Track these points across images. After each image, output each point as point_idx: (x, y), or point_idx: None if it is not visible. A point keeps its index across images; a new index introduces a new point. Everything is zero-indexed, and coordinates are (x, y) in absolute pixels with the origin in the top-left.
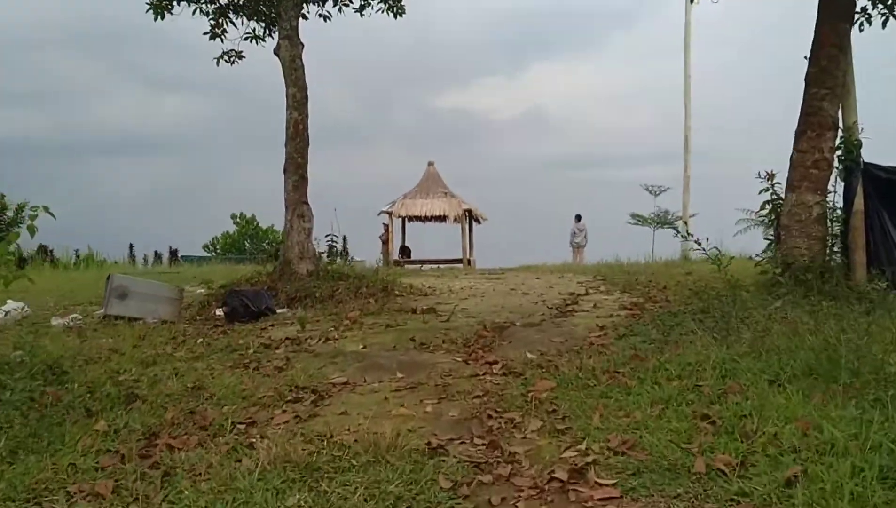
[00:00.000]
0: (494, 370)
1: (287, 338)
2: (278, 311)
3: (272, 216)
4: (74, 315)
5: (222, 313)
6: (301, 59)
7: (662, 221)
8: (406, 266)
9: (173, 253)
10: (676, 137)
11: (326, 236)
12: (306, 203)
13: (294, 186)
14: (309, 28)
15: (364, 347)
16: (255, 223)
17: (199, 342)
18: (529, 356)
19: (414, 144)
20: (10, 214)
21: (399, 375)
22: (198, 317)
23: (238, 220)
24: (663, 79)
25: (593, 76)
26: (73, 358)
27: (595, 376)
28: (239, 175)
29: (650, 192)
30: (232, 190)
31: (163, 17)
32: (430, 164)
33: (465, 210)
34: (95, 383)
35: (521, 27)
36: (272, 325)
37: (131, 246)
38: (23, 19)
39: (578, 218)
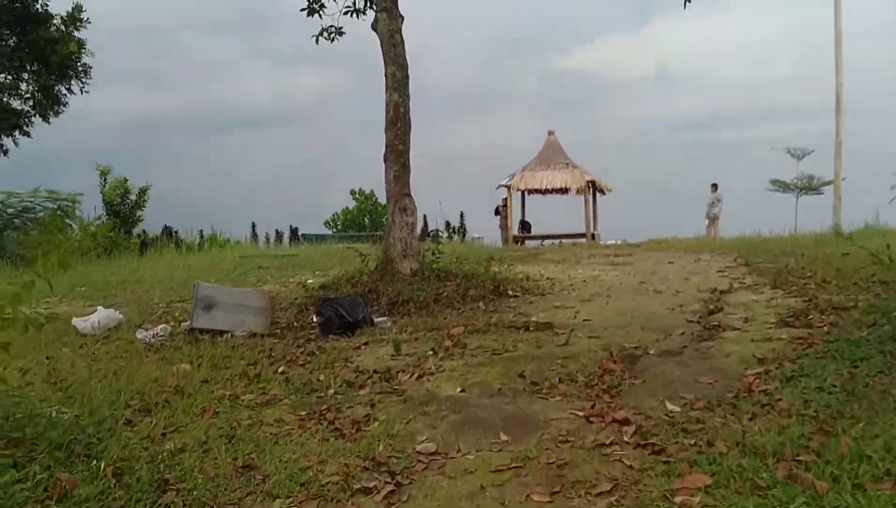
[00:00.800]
0: (626, 438)
1: (376, 371)
2: (377, 320)
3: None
4: (163, 326)
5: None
6: (401, 34)
7: (807, 187)
8: (526, 242)
9: (294, 231)
10: (818, 92)
11: (429, 232)
12: (408, 195)
13: (395, 176)
14: None
15: (462, 390)
16: (374, 199)
17: (278, 372)
18: (670, 407)
19: (534, 109)
20: (132, 197)
21: (503, 437)
22: (294, 324)
23: (357, 196)
24: (804, 28)
25: (724, 28)
26: (124, 405)
27: (766, 465)
28: (361, 150)
29: (792, 155)
30: (355, 164)
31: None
32: (551, 133)
33: (588, 181)
34: (128, 459)
35: None
36: (366, 344)
37: (254, 225)
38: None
39: (715, 187)
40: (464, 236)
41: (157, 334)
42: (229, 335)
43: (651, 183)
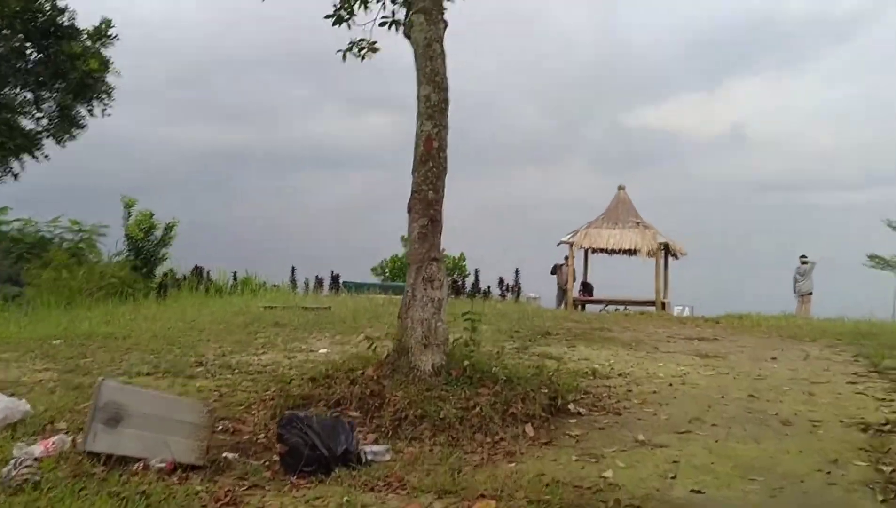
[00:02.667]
0: None
1: None
2: (370, 450)
3: (444, 239)
4: (58, 438)
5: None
6: (442, 45)
7: None
8: (587, 307)
9: (335, 279)
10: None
11: (464, 314)
12: (437, 260)
13: (421, 233)
14: (493, 34)
15: None
16: None
17: None
18: None
19: (602, 163)
20: (157, 233)
21: None
22: (256, 439)
23: (404, 241)
24: (879, 94)
25: (800, 93)
26: None
27: None
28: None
29: (894, 229)
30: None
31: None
32: (621, 188)
33: (660, 244)
34: None
35: (721, 41)
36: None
37: (293, 269)
38: (239, 43)
39: (804, 258)
40: (518, 295)
41: (29, 463)
42: (141, 465)
43: (723, 247)
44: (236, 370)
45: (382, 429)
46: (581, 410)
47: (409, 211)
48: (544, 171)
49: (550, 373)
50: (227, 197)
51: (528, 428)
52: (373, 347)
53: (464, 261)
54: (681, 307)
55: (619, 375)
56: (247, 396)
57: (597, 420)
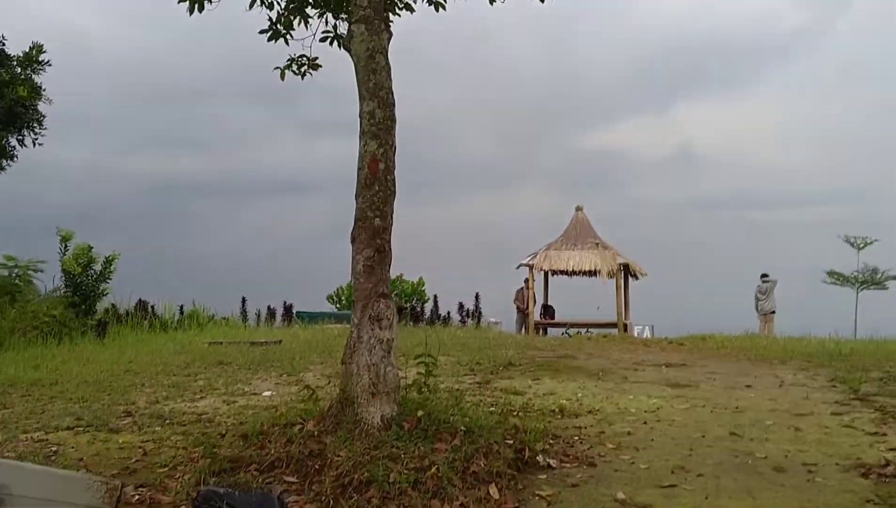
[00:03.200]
0: None
1: None
2: None
3: (402, 265)
4: None
5: None
6: (385, 56)
7: (869, 281)
8: (549, 331)
9: (287, 309)
10: (845, 177)
11: (417, 357)
12: (386, 296)
13: (366, 266)
14: (446, 61)
15: None
16: None
17: None
18: None
19: (556, 186)
20: (97, 267)
21: None
22: None
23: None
24: (821, 116)
25: (747, 113)
26: None
27: None
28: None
29: (852, 244)
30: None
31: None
32: (579, 209)
33: (620, 264)
34: None
35: (669, 65)
36: None
37: (244, 300)
38: (192, 70)
39: (765, 277)
40: (479, 320)
41: None
42: None
43: (677, 266)
44: (167, 421)
45: (323, 498)
46: (551, 462)
47: (353, 241)
48: (499, 195)
49: (515, 421)
50: (179, 228)
51: (493, 490)
52: (313, 397)
53: (423, 286)
54: (640, 327)
55: (589, 412)
56: (173, 454)
57: (569, 475)
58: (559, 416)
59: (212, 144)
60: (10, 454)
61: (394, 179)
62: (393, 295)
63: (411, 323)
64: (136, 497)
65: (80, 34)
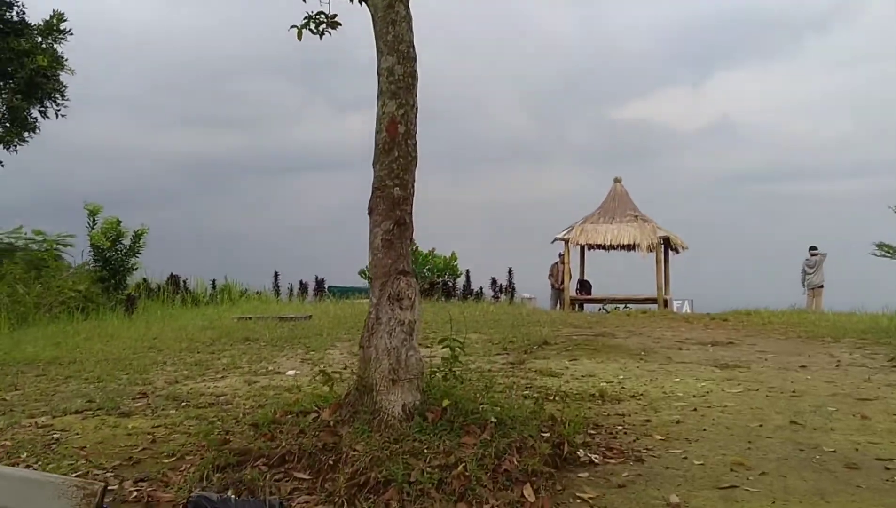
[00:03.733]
0: None
1: None
2: None
3: (434, 239)
4: None
5: None
6: (406, 6)
7: None
8: (585, 306)
9: (319, 284)
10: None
11: (441, 341)
12: (407, 273)
13: (385, 240)
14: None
15: None
16: (413, 247)
17: None
18: None
19: (591, 159)
20: (126, 241)
21: None
22: None
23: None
24: (864, 85)
25: (785, 83)
26: None
27: None
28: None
29: None
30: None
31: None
32: (617, 181)
33: (661, 238)
34: None
35: (704, 36)
36: None
37: (276, 275)
38: (223, 48)
39: (814, 250)
40: (512, 296)
41: None
42: None
43: (716, 239)
44: (183, 403)
45: (336, 499)
46: (593, 457)
47: (370, 213)
48: (534, 169)
49: (552, 410)
50: (214, 205)
51: (528, 491)
52: (329, 384)
53: (455, 261)
54: (680, 302)
55: (633, 397)
56: (183, 442)
57: (614, 473)
58: (600, 402)
59: (244, 122)
60: (7, 442)
61: (415, 144)
62: (423, 270)
63: (443, 299)
64: (135, 493)
65: (106, 10)
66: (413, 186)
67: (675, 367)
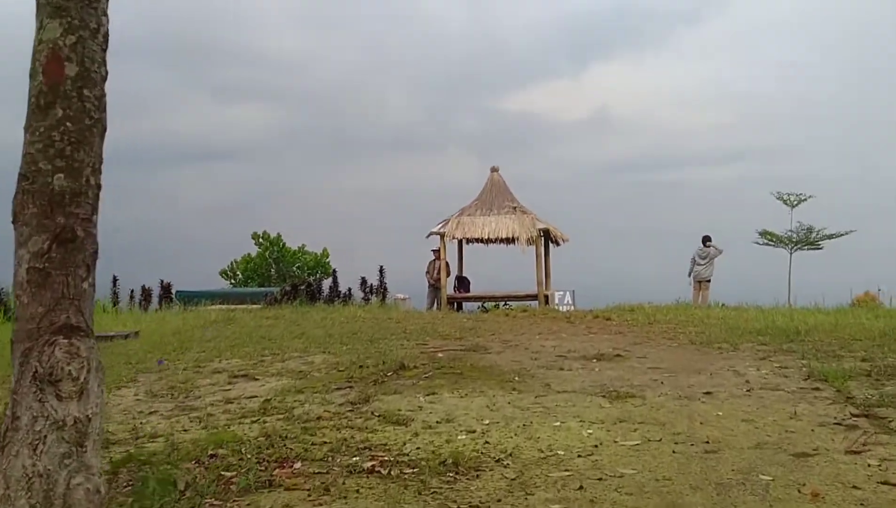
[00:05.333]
0: None
1: None
2: None
3: (305, 235)
4: None
5: None
6: None
7: (804, 241)
8: (464, 306)
9: (165, 289)
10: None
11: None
12: (73, 331)
13: (35, 272)
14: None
15: None
16: (280, 244)
17: None
18: None
19: (476, 149)
20: None
21: None
22: None
23: (261, 240)
24: (733, 77)
25: (658, 75)
26: None
27: None
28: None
29: (785, 202)
30: (268, 207)
31: None
32: (494, 170)
33: (540, 230)
34: None
35: (582, 30)
36: None
37: (115, 279)
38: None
39: (708, 242)
40: (384, 297)
41: None
42: None
43: (596, 229)
44: None
45: None
46: None
47: (15, 220)
48: (417, 160)
49: None
50: None
51: None
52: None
53: (327, 258)
54: (562, 293)
55: (498, 461)
56: None
57: None
58: (453, 474)
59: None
60: None
61: (100, 98)
62: (292, 269)
63: (307, 302)
64: None
65: None
66: (95, 173)
67: (556, 401)
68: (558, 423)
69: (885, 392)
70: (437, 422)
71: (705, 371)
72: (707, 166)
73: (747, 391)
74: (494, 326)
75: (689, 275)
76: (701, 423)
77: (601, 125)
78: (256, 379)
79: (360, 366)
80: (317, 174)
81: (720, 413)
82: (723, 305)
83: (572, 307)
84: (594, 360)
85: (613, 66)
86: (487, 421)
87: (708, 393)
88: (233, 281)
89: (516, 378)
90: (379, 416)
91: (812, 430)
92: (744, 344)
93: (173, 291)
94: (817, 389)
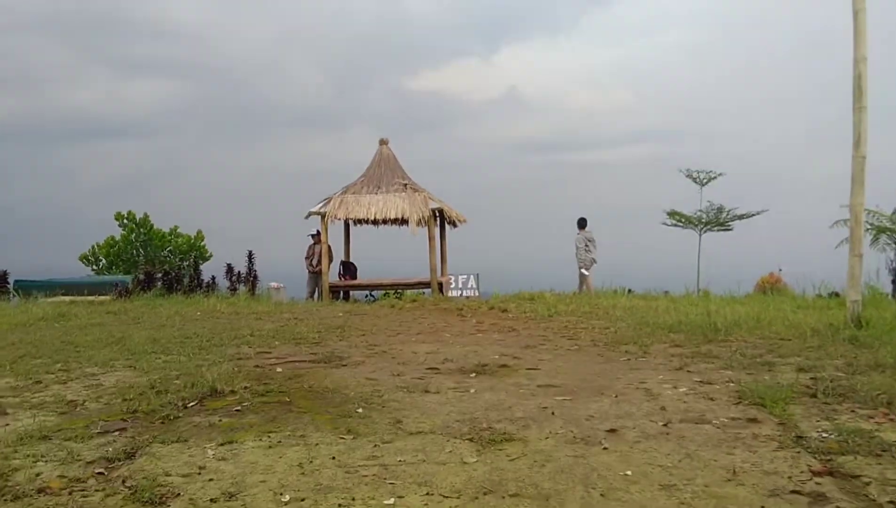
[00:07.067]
0: None
1: None
2: None
3: (178, 216)
4: None
5: None
6: None
7: (713, 222)
8: (351, 294)
9: (1, 278)
10: (659, 116)
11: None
12: None
13: None
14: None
15: None
16: (149, 226)
17: None
18: None
19: (385, 128)
20: None
21: None
22: None
23: (125, 221)
24: (638, 59)
25: (568, 58)
26: None
27: None
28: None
29: (695, 180)
30: (162, 187)
31: None
32: (384, 143)
33: (433, 210)
34: None
35: (494, 10)
36: None
37: None
38: None
39: (583, 223)
40: (253, 286)
41: None
42: None
43: (503, 211)
44: None
45: None
46: None
47: None
48: (328, 136)
49: None
50: None
51: None
52: None
53: (202, 240)
54: (465, 277)
55: None
56: None
57: None
58: None
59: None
60: None
61: None
62: (162, 253)
63: (164, 292)
64: None
65: None
66: None
67: (402, 452)
68: (392, 500)
69: (843, 427)
70: (213, 501)
71: (609, 391)
72: (616, 148)
73: (664, 424)
74: (370, 322)
75: (581, 262)
76: (602, 495)
77: (511, 106)
78: (6, 413)
79: (158, 391)
80: (216, 153)
81: (629, 473)
82: (629, 291)
83: (476, 293)
84: (472, 375)
85: (523, 47)
86: (288, 498)
87: (612, 431)
88: (94, 267)
89: (359, 410)
90: (131, 488)
91: (754, 493)
92: (655, 346)
93: (10, 280)
94: (754, 421)
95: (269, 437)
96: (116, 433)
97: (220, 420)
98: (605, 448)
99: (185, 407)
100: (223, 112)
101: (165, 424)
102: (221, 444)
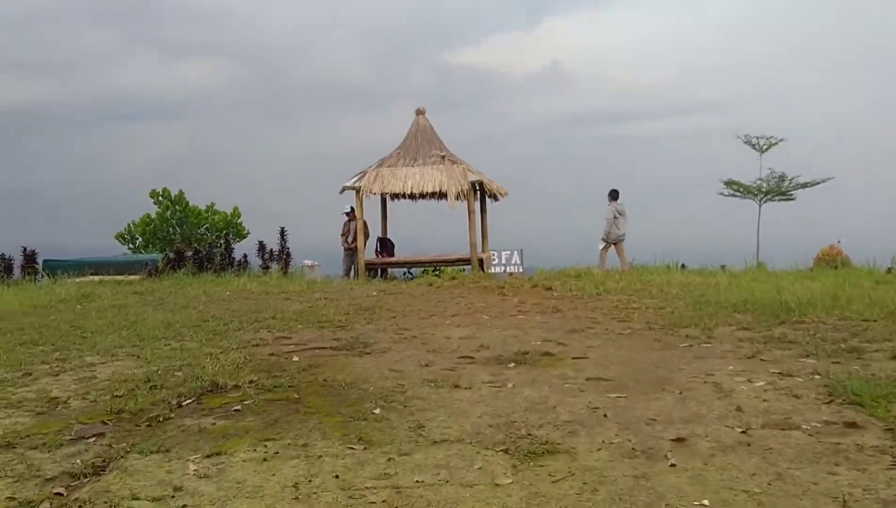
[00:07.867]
0: None
1: None
2: None
3: (214, 194)
4: None
5: None
6: None
7: (775, 191)
8: (389, 271)
9: (28, 258)
10: (714, 87)
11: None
12: None
13: None
14: None
15: None
16: (184, 203)
17: None
18: None
19: (427, 104)
20: None
21: None
22: None
23: (160, 198)
24: (684, 31)
25: (613, 31)
26: None
27: None
28: (222, 149)
29: (754, 147)
30: (203, 168)
31: None
32: (420, 113)
33: (472, 183)
34: None
35: None
36: None
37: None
38: None
39: (615, 195)
40: (286, 265)
41: None
42: None
43: (551, 186)
44: None
45: None
46: None
47: None
48: (367, 115)
49: None
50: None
51: None
52: None
53: (239, 218)
54: (508, 253)
55: None
56: None
57: None
58: None
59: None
60: None
61: None
62: (199, 231)
63: (196, 271)
64: None
65: None
66: None
67: (420, 468)
68: None
69: None
70: None
71: (671, 385)
72: (663, 118)
73: (742, 431)
74: (404, 303)
75: (609, 235)
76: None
77: (554, 79)
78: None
79: (153, 386)
80: (257, 133)
81: (706, 505)
82: (683, 266)
83: (520, 269)
84: (511, 365)
85: (567, 20)
86: None
87: (680, 440)
88: (131, 246)
89: (376, 411)
90: None
91: None
92: (719, 328)
93: (38, 260)
94: (853, 426)
95: (265, 447)
96: (92, 439)
97: (214, 424)
98: (672, 465)
99: (179, 406)
100: (264, 92)
101: (151, 427)
102: (208, 456)
